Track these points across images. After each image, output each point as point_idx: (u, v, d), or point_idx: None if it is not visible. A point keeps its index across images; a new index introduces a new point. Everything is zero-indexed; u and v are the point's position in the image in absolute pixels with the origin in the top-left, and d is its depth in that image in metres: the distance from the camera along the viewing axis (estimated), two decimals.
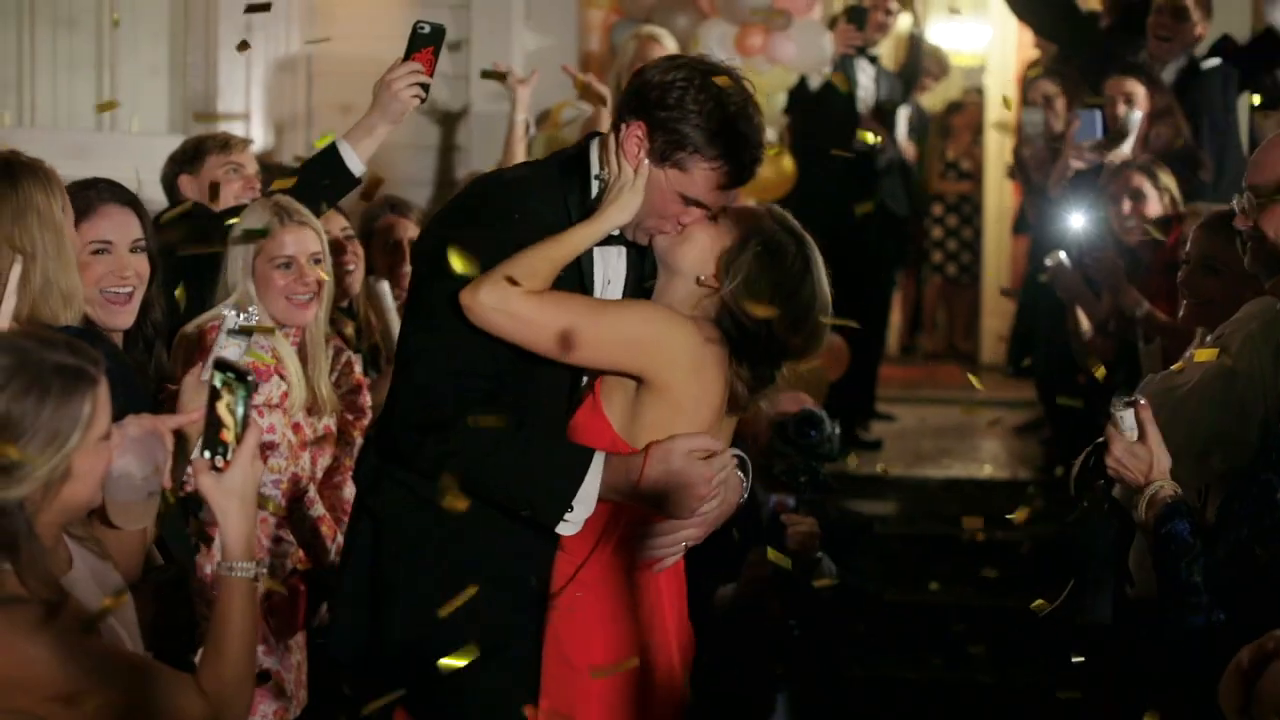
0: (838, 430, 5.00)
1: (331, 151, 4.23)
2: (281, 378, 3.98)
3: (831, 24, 7.96)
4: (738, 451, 3.21)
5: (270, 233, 3.98)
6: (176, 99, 6.82)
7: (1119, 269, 5.29)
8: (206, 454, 2.56)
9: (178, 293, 3.81)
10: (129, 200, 3.58)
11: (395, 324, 4.79)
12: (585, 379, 3.15)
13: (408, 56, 4.06)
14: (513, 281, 2.96)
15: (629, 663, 3.05)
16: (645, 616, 3.14)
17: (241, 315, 3.11)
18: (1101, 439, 3.32)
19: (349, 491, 4.16)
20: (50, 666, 2.35)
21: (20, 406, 2.39)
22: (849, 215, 6.96)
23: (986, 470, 7.51)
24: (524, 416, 3.09)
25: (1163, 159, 5.83)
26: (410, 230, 5.29)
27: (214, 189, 4.68)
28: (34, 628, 2.35)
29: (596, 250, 3.14)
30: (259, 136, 6.77)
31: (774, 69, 7.45)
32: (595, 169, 3.15)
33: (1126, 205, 5.61)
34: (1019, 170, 7.97)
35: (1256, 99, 6.39)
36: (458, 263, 2.89)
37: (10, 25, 6.28)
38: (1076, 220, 5.64)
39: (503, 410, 3.04)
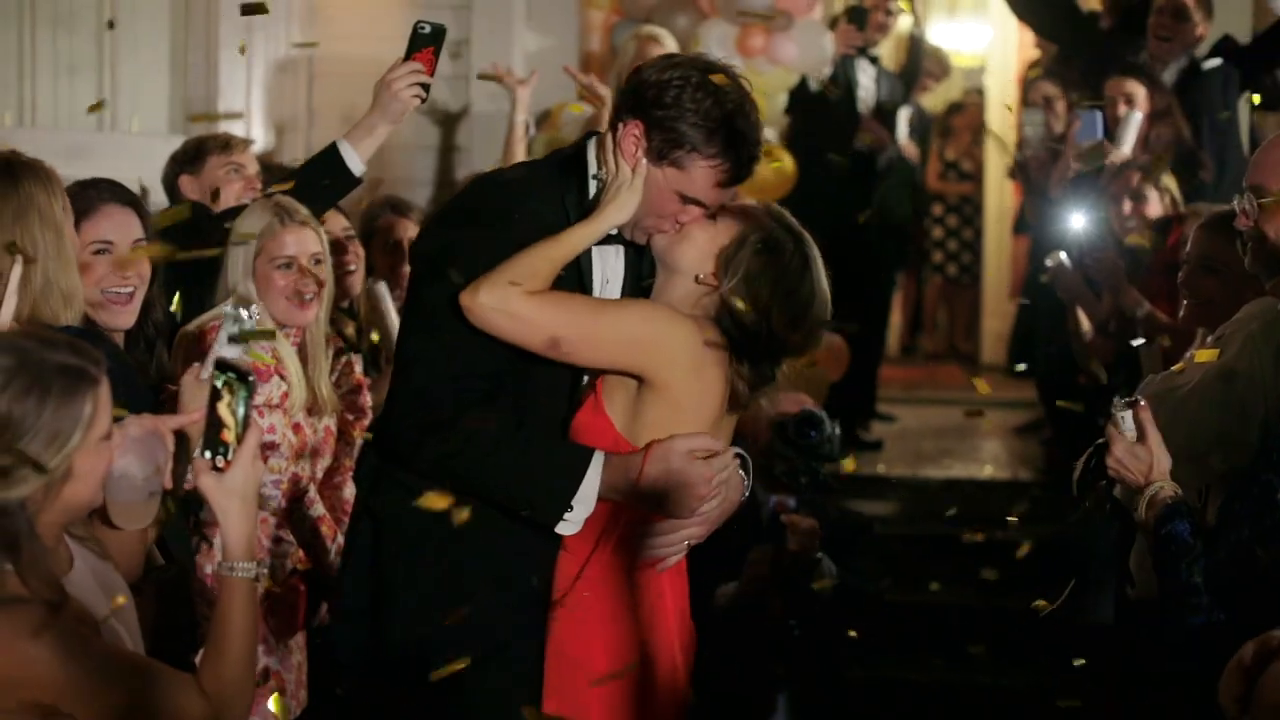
0: (838, 431, 5.01)
1: (332, 151, 4.23)
2: (282, 378, 3.98)
3: (832, 24, 7.97)
4: (738, 450, 3.22)
5: (263, 235, 3.99)
6: (177, 99, 6.82)
7: (1119, 269, 5.29)
8: (207, 454, 2.56)
9: (174, 305, 3.80)
10: (130, 200, 3.58)
11: (394, 325, 4.79)
12: (586, 379, 3.15)
13: (408, 56, 4.06)
14: (513, 282, 2.96)
15: (627, 669, 3.05)
16: (648, 616, 3.13)
17: (243, 313, 3.10)
18: (1102, 440, 3.32)
19: (349, 492, 4.16)
20: (51, 666, 2.35)
21: (22, 407, 2.39)
22: (849, 216, 6.98)
23: (987, 471, 7.52)
24: (524, 416, 3.10)
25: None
26: (410, 230, 5.29)
27: (215, 195, 4.68)
28: (35, 628, 2.35)
29: (595, 250, 3.14)
30: (259, 137, 6.77)
31: (775, 70, 7.45)
32: (593, 169, 3.15)
33: (1127, 206, 5.61)
34: (1019, 171, 7.97)
35: (1256, 98, 6.38)
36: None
37: (11, 25, 6.28)
38: (1077, 221, 5.64)
39: (500, 411, 3.04)
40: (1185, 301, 4.10)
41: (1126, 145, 6.07)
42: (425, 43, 4.05)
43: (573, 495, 3.01)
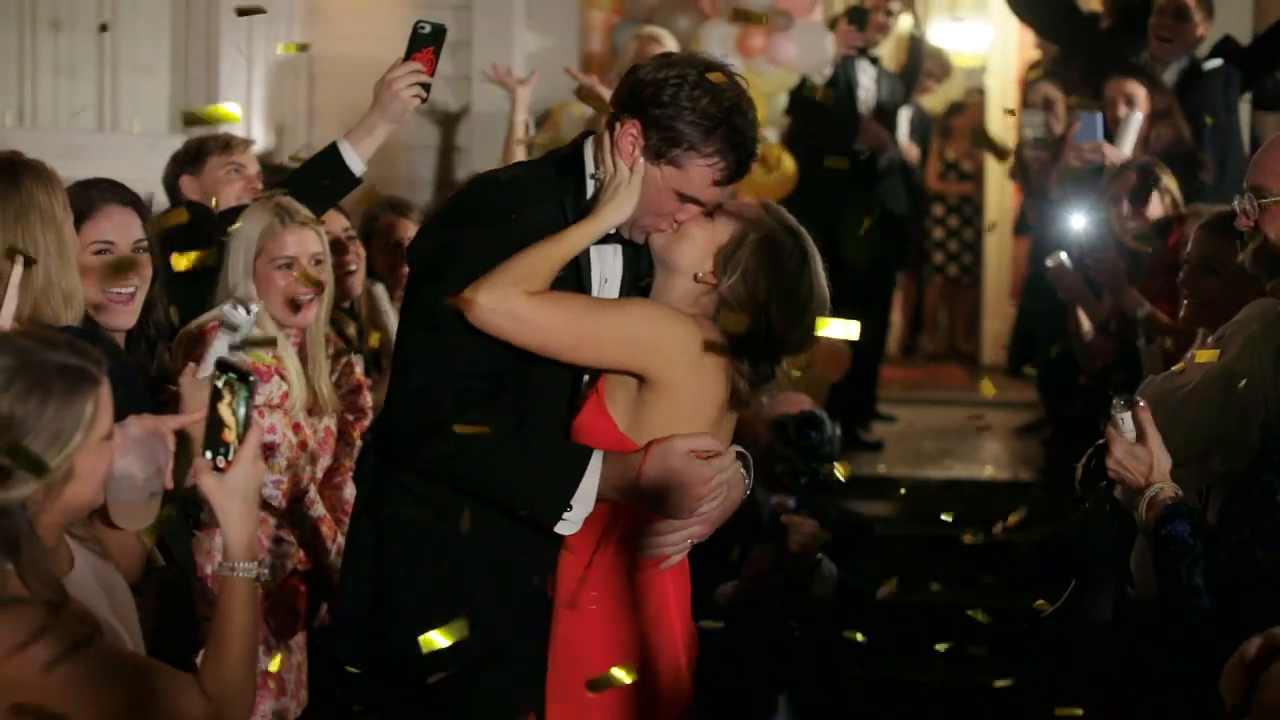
0: (838, 431, 5.01)
1: (332, 151, 4.23)
2: (282, 378, 3.98)
3: (832, 25, 7.96)
4: (739, 448, 3.22)
5: (264, 235, 4.00)
6: (177, 100, 6.82)
7: (1120, 270, 5.29)
8: (208, 454, 2.56)
9: (171, 312, 3.80)
10: (131, 200, 3.58)
11: (393, 326, 4.79)
12: (586, 378, 3.15)
13: (408, 56, 4.06)
14: (512, 283, 2.96)
15: (626, 672, 3.05)
16: (652, 615, 3.14)
17: (241, 311, 3.11)
18: (1102, 441, 3.32)
19: (349, 492, 4.16)
20: (52, 667, 2.34)
21: (23, 407, 2.39)
22: (850, 216, 6.97)
23: (988, 471, 7.51)
24: (524, 416, 3.10)
25: (1164, 159, 5.83)
26: (411, 230, 5.29)
27: (218, 205, 4.68)
28: (36, 628, 2.35)
29: (593, 249, 3.14)
30: (260, 137, 6.77)
31: (775, 70, 7.45)
32: (591, 168, 3.15)
33: (1127, 206, 5.61)
34: (1020, 171, 7.97)
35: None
36: None
37: (11, 26, 6.28)
38: (1077, 221, 5.64)
39: (497, 413, 3.04)
40: (1186, 302, 4.10)
41: (1127, 146, 6.07)
42: (425, 42, 4.04)
43: (572, 495, 3.02)
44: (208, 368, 3.03)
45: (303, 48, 5.37)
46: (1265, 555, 3.03)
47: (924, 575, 6.10)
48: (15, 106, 6.27)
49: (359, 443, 4.26)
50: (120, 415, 2.56)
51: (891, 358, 10.12)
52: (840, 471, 4.34)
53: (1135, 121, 6.09)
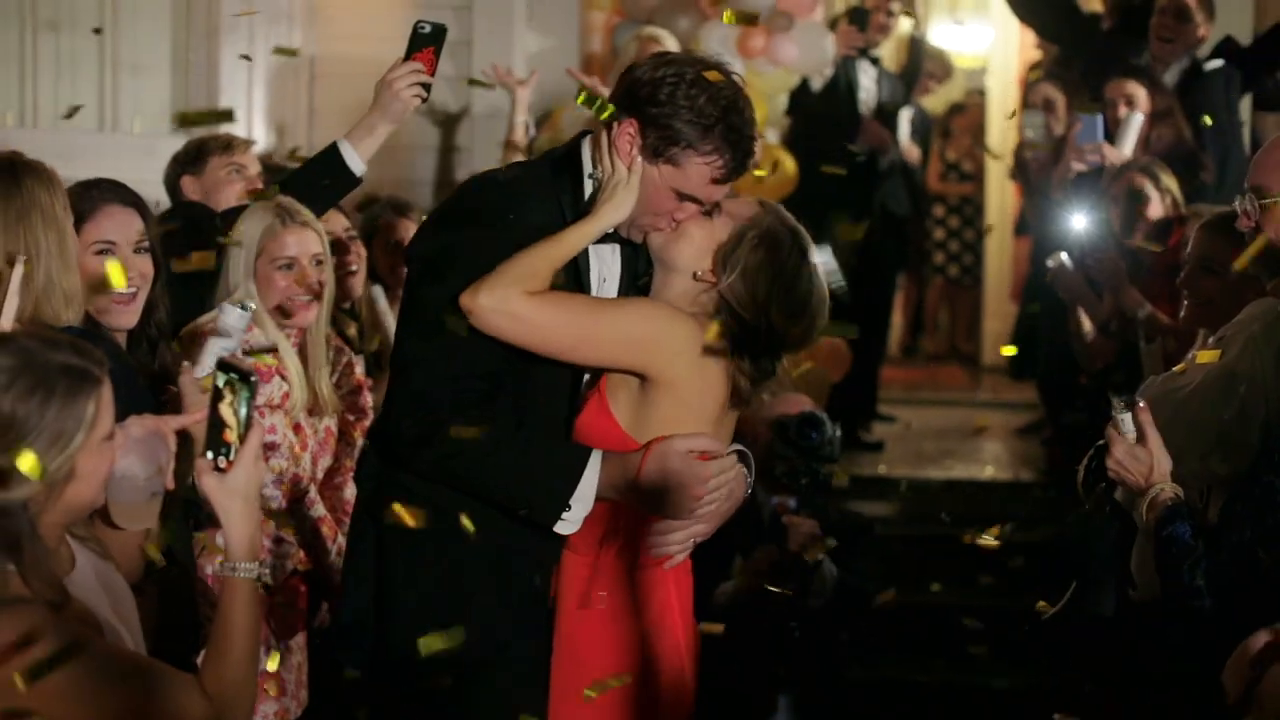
0: (838, 432, 5.01)
1: (332, 151, 4.23)
2: (283, 379, 3.98)
3: (833, 25, 7.97)
4: (740, 447, 3.22)
5: (264, 236, 4.00)
6: (178, 100, 6.82)
7: (1120, 270, 5.29)
8: (209, 455, 2.56)
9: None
10: (132, 200, 3.58)
11: (392, 328, 4.78)
12: (587, 378, 3.15)
13: (409, 56, 4.05)
14: (512, 283, 2.96)
15: (622, 679, 3.04)
16: (655, 615, 3.14)
17: (238, 309, 3.11)
18: (1102, 442, 3.32)
19: (350, 492, 4.16)
20: (53, 667, 2.34)
21: (25, 407, 2.39)
22: (850, 216, 6.97)
23: (988, 472, 7.51)
24: (524, 416, 3.10)
25: (1164, 160, 5.83)
26: (411, 230, 5.28)
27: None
28: (37, 628, 2.35)
29: (591, 248, 3.13)
30: (260, 137, 6.77)
31: (776, 70, 7.45)
32: (588, 168, 3.15)
33: (1122, 216, 5.61)
34: (1020, 172, 7.97)
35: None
36: None
37: (12, 26, 6.28)
38: (1078, 221, 5.64)
39: (497, 413, 3.04)
40: (1186, 302, 4.10)
41: (1127, 147, 6.07)
42: (426, 42, 4.04)
43: (570, 495, 3.02)
44: (204, 367, 3.04)
45: (293, 53, 5.35)
46: (1267, 555, 3.03)
47: (924, 575, 6.11)
48: (16, 107, 6.27)
49: (360, 443, 4.26)
50: (121, 415, 2.56)
51: (892, 358, 10.12)
52: (838, 477, 4.34)
53: (1136, 122, 6.09)
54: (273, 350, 3.84)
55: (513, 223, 3.05)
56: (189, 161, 4.92)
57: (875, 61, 8.02)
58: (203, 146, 4.93)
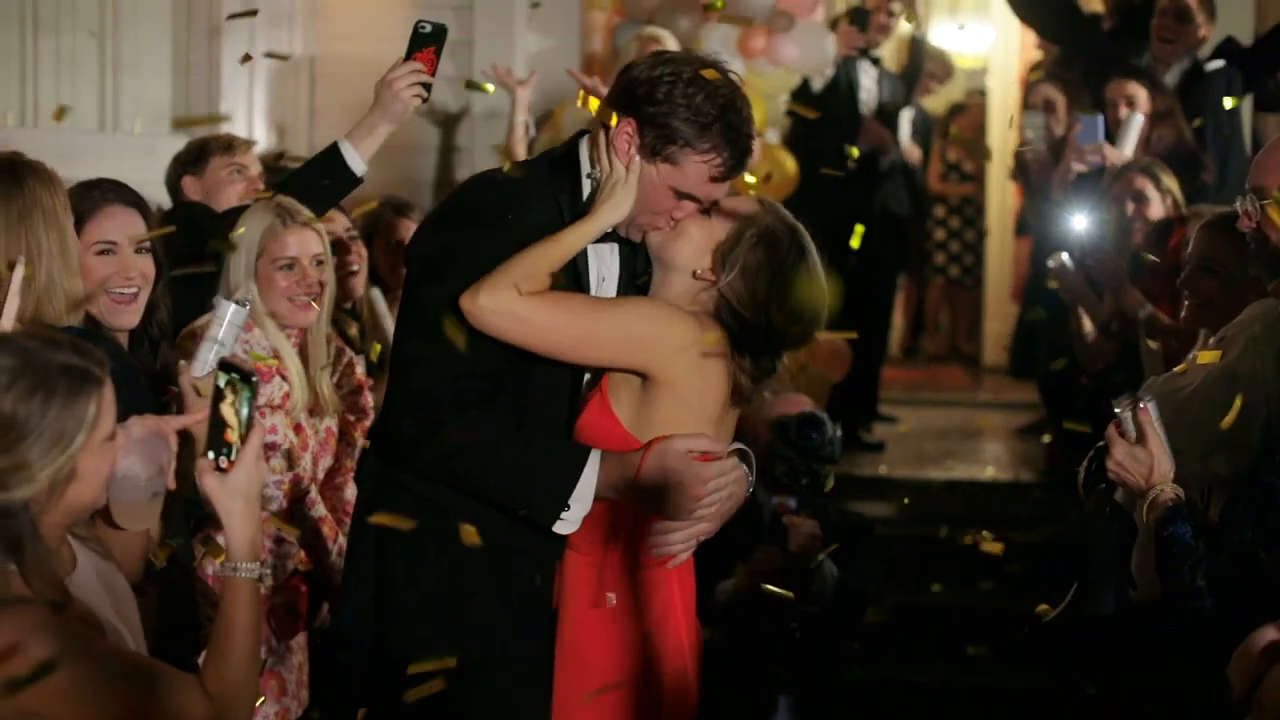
0: (839, 433, 5.00)
1: (333, 151, 4.23)
2: (283, 379, 3.98)
3: (834, 25, 7.97)
4: (741, 445, 3.22)
5: (265, 236, 4.00)
6: (179, 100, 6.82)
7: (1121, 270, 5.29)
8: (211, 455, 2.56)
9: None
10: (134, 200, 3.58)
11: (391, 330, 4.78)
12: (588, 377, 3.15)
13: (409, 56, 4.05)
14: (512, 284, 2.96)
15: (618, 683, 3.04)
16: (658, 615, 3.13)
17: (232, 305, 3.11)
18: (1102, 443, 3.33)
19: (350, 492, 4.16)
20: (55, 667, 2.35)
21: (26, 407, 2.39)
22: (851, 217, 6.95)
23: (989, 472, 7.51)
24: (523, 416, 3.10)
25: (1165, 161, 5.83)
26: (412, 230, 5.28)
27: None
28: (39, 628, 2.35)
29: (590, 248, 3.13)
30: (261, 137, 6.78)
31: (777, 71, 7.45)
32: (586, 168, 3.15)
33: (1129, 207, 5.61)
34: (1021, 173, 7.97)
35: (1230, 101, 6.34)
36: None
37: (13, 26, 6.28)
38: (1079, 222, 5.65)
39: (496, 413, 3.04)
40: (1186, 303, 4.10)
41: (1128, 147, 6.06)
42: (426, 42, 4.04)
43: (569, 494, 3.02)
44: (200, 363, 3.04)
45: (284, 57, 5.33)
46: (1268, 556, 3.03)
47: (924, 576, 6.11)
48: (16, 107, 6.27)
49: (360, 443, 4.26)
50: (123, 416, 2.56)
51: (893, 359, 10.13)
52: (827, 480, 4.33)
53: (1136, 123, 6.09)
54: (273, 359, 3.85)
55: (512, 222, 3.05)
56: (190, 162, 4.93)
57: (876, 62, 8.02)
58: (204, 147, 4.93)
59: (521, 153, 5.85)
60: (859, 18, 7.86)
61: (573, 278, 3.11)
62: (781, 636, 4.74)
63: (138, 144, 6.38)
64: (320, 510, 4.11)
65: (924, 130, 8.95)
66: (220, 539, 2.77)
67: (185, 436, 2.74)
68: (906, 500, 6.93)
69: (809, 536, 4.75)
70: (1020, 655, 5.74)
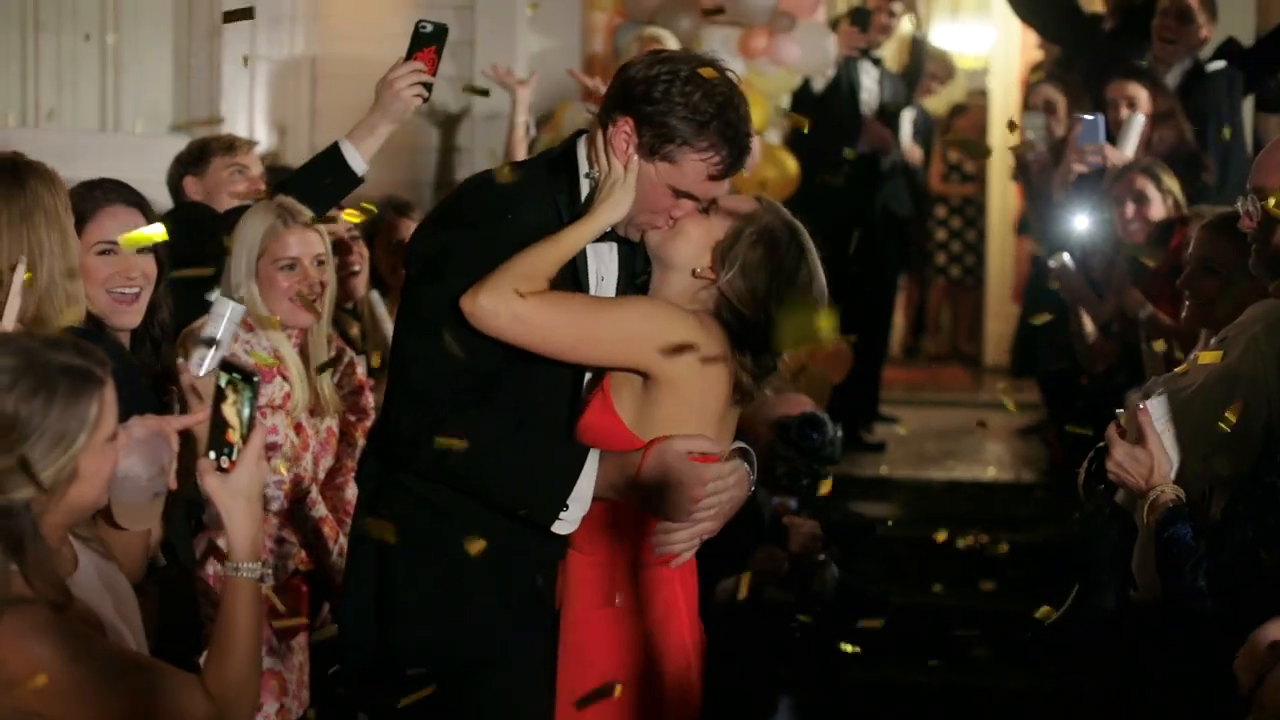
0: (840, 433, 5.00)
1: (333, 151, 4.23)
2: (284, 379, 3.98)
3: (835, 26, 7.97)
4: (742, 444, 3.22)
5: (266, 236, 4.00)
6: (180, 100, 6.83)
7: (1122, 271, 5.29)
8: (212, 455, 2.56)
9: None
10: (135, 201, 3.59)
11: (390, 332, 4.78)
12: (589, 377, 3.15)
13: (410, 55, 4.06)
14: (512, 285, 2.96)
15: (613, 690, 3.04)
16: (661, 615, 3.13)
17: (231, 303, 3.11)
18: (1102, 444, 3.32)
19: (351, 492, 4.16)
20: (56, 667, 2.35)
21: (28, 407, 2.39)
22: (853, 217, 6.96)
23: (990, 473, 7.51)
24: (523, 416, 3.10)
25: (1166, 161, 5.83)
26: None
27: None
28: (40, 628, 2.35)
29: (589, 247, 3.13)
30: (262, 138, 6.77)
31: (778, 71, 7.45)
32: (584, 167, 3.14)
33: (1130, 208, 5.61)
34: (1022, 173, 7.97)
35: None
36: None
37: (13, 26, 6.28)
38: (1080, 223, 5.65)
39: (496, 413, 3.04)
40: (1187, 303, 4.10)
41: (1129, 148, 6.06)
42: (427, 42, 4.04)
43: (568, 494, 3.01)
44: (196, 360, 3.04)
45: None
46: (1269, 555, 3.03)
47: (925, 577, 6.11)
48: (17, 107, 6.27)
49: (361, 443, 4.26)
50: (124, 416, 2.56)
51: (894, 359, 10.12)
52: (823, 486, 4.33)
53: (1137, 124, 6.09)
54: (273, 363, 3.85)
55: (510, 222, 3.05)
56: (191, 162, 4.93)
57: (877, 62, 8.02)
58: (205, 147, 4.93)
59: (522, 153, 5.85)
60: (860, 18, 7.86)
61: (571, 277, 3.11)
62: (782, 637, 4.74)
63: (138, 144, 6.38)
64: (321, 510, 4.11)
65: (925, 131, 8.95)
66: (221, 540, 2.78)
67: (187, 436, 2.74)
68: (906, 495, 6.93)
69: (809, 537, 4.75)
70: (1020, 655, 5.74)
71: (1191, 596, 3.11)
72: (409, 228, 5.33)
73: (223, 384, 2.58)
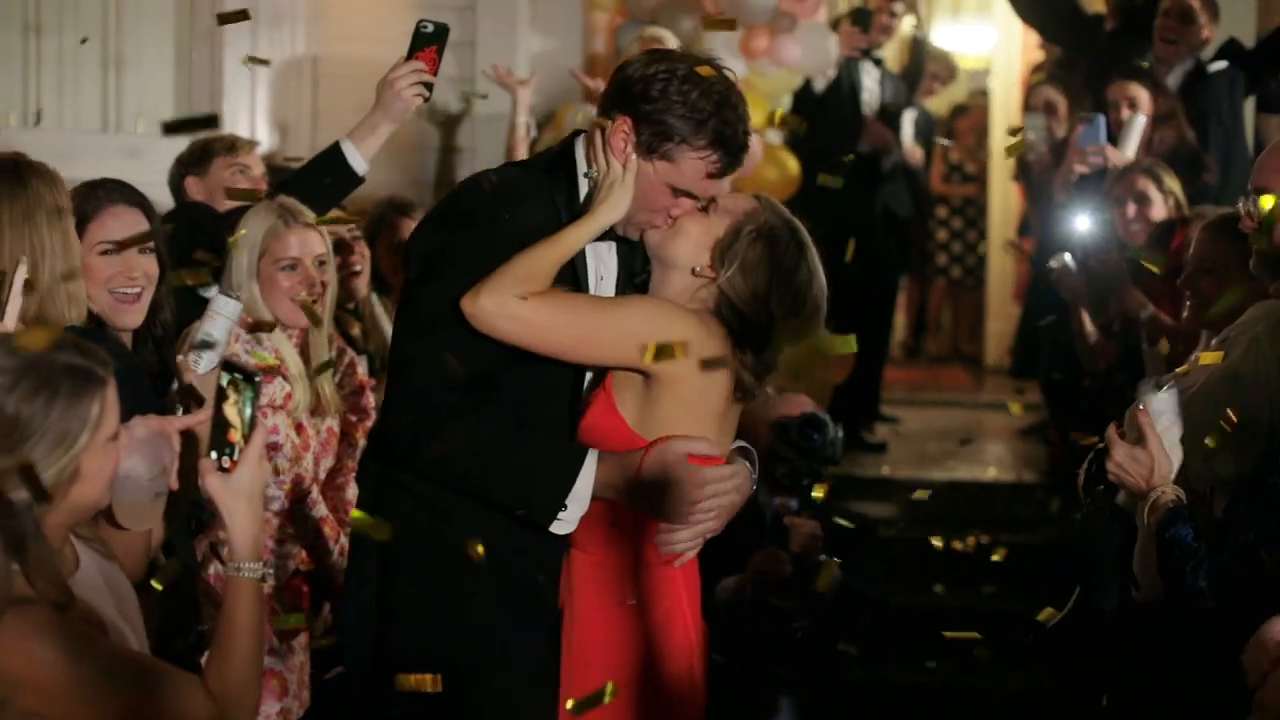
0: (840, 434, 5.00)
1: (334, 151, 4.23)
2: (285, 379, 3.98)
3: (835, 26, 7.97)
4: (743, 443, 3.22)
5: (267, 236, 4.01)
6: (181, 100, 6.83)
7: (1123, 271, 5.29)
8: (213, 455, 2.57)
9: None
10: (137, 201, 3.59)
11: (389, 333, 4.78)
12: (590, 377, 3.15)
13: (411, 55, 4.05)
14: (513, 285, 2.96)
15: (609, 693, 3.04)
16: (664, 615, 3.13)
17: (227, 298, 3.11)
18: (1102, 445, 3.32)
19: (352, 492, 4.16)
20: (58, 667, 2.35)
21: (29, 407, 2.40)
22: (854, 217, 6.96)
23: (991, 473, 7.51)
24: (523, 416, 3.10)
25: (1167, 162, 5.83)
26: None
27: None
28: (42, 628, 2.35)
29: (588, 246, 3.13)
30: (264, 138, 6.78)
31: (779, 72, 7.45)
32: (583, 167, 3.14)
33: (1131, 209, 5.61)
34: (1023, 174, 7.97)
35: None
36: None
37: (14, 26, 6.28)
38: (1081, 223, 5.65)
39: (496, 413, 3.04)
40: (1188, 303, 4.10)
41: (1130, 149, 6.06)
42: (428, 41, 4.04)
43: (567, 494, 3.02)
44: (194, 358, 3.04)
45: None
46: (1270, 556, 3.03)
47: (926, 577, 6.11)
48: (19, 108, 6.28)
49: (362, 443, 4.26)
50: (126, 415, 2.57)
51: (895, 359, 10.13)
52: (818, 491, 4.32)
53: (1139, 124, 6.09)
54: (274, 364, 3.85)
55: (509, 223, 3.05)
56: (193, 162, 4.93)
57: (878, 62, 8.02)
58: (207, 147, 4.93)
59: (523, 153, 5.85)
60: (861, 18, 7.86)
61: (571, 277, 3.11)
62: (783, 637, 4.74)
63: (139, 144, 6.38)
64: (322, 510, 4.11)
65: (926, 131, 8.95)
66: (223, 539, 2.78)
67: (188, 436, 2.75)
68: (906, 496, 6.93)
69: (810, 537, 4.75)
70: (1020, 655, 5.74)
71: (1193, 597, 3.11)
72: (410, 228, 5.33)
73: (224, 384, 2.58)
